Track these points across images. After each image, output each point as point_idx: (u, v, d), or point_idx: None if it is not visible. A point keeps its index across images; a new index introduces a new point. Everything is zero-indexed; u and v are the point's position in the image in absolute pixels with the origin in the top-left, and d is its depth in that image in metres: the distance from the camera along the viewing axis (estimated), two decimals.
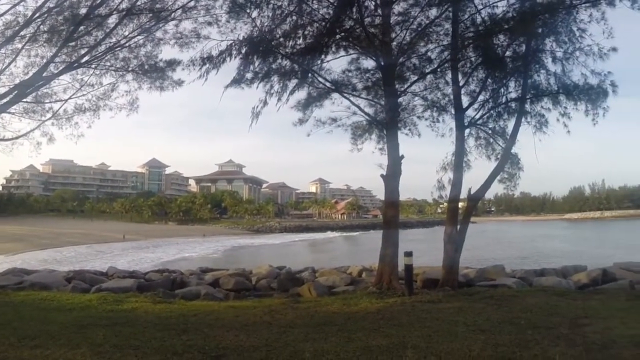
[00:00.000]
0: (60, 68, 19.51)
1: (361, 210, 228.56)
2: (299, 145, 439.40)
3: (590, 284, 19.13)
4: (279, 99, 17.94)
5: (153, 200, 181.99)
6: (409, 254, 15.75)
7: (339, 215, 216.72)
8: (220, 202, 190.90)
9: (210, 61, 17.05)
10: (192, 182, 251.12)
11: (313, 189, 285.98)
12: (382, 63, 18.49)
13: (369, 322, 10.61)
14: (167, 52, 21.00)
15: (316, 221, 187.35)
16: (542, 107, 19.43)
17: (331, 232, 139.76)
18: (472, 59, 19.72)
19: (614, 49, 17.61)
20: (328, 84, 19.47)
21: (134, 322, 10.90)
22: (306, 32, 17.29)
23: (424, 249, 42.81)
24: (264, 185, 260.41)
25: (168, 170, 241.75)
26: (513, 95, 19.63)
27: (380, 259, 17.76)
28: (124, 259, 53.38)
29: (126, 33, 19.65)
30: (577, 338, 8.41)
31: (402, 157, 18.29)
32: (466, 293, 15.41)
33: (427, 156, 25.02)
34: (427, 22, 18.67)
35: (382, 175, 18.33)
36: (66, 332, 9.66)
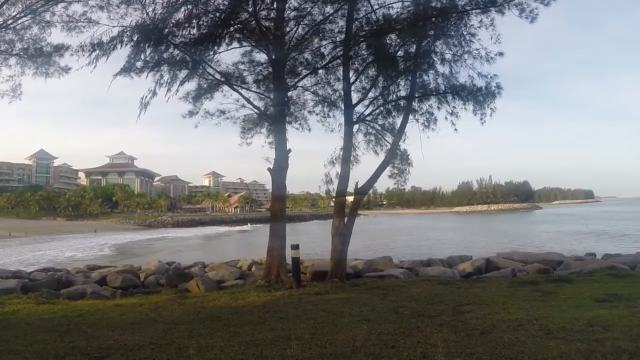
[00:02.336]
0: None
1: (254, 204, 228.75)
2: (192, 137, 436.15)
3: (475, 273, 19.94)
4: (169, 90, 17.44)
5: (41, 194, 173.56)
6: (295, 247, 15.90)
7: (232, 209, 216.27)
8: (111, 196, 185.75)
9: (101, 47, 16.27)
10: (81, 174, 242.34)
11: (206, 183, 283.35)
12: (274, 57, 18.44)
13: (255, 315, 10.54)
14: (55, 36, 19.68)
15: (209, 215, 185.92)
16: (430, 105, 20.08)
17: (224, 226, 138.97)
18: (364, 56, 20.04)
19: (501, 54, 18.57)
20: (218, 76, 19.20)
21: (15, 325, 10.32)
22: (200, 22, 16.84)
23: (315, 242, 43.36)
24: (156, 179, 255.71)
25: (56, 162, 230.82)
26: (403, 93, 20.12)
27: (268, 252, 17.79)
28: (8, 258, 50.87)
29: (13, 13, 18.38)
30: (459, 324, 8.62)
31: (290, 150, 18.43)
32: (354, 284, 15.69)
33: (321, 150, 25.18)
34: (322, 18, 18.78)
35: (269, 169, 18.34)
36: None
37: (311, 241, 47.92)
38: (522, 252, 26.42)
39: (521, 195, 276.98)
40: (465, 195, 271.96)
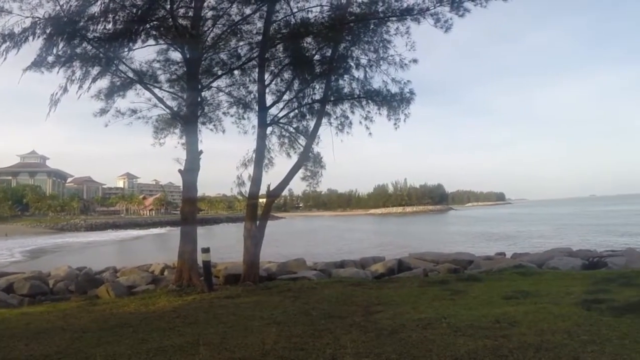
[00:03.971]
0: None
1: (170, 206, 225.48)
2: (107, 136, 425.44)
3: (387, 273, 20.33)
4: (80, 87, 16.86)
5: None
6: (206, 250, 15.74)
7: (147, 212, 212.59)
8: (21, 197, 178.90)
9: (12, 39, 15.47)
10: None
11: (121, 184, 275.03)
12: (189, 56, 18.18)
13: (165, 321, 10.35)
14: None
15: (123, 218, 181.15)
16: (344, 109, 20.38)
17: (139, 229, 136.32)
18: (281, 59, 20.08)
19: (415, 61, 19.16)
20: (131, 74, 18.78)
21: None
22: (116, 17, 16.34)
23: (230, 244, 42.94)
24: (69, 180, 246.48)
25: None
26: (317, 96, 20.27)
27: (179, 255, 17.57)
28: None
29: None
30: (369, 325, 8.70)
31: (201, 152, 18.24)
32: (266, 287, 15.66)
33: (238, 152, 25.12)
34: (240, 18, 18.73)
35: (179, 171, 18.09)
36: None
37: (226, 244, 47.55)
38: (434, 253, 27.04)
39: (435, 198, 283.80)
40: (381, 198, 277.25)
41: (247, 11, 18.73)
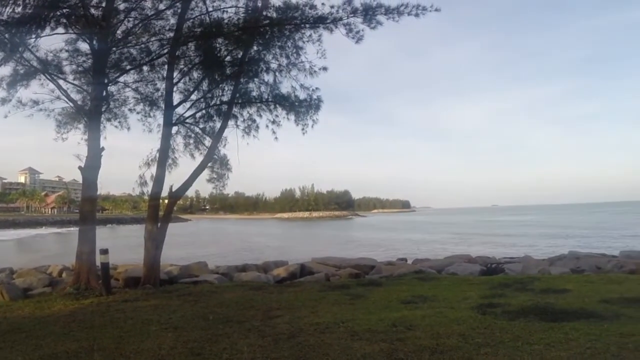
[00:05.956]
0: None
1: (73, 205, 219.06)
2: (8, 127, 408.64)
3: (289, 278, 20.38)
4: None
5: None
6: (104, 252, 15.21)
7: (50, 210, 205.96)
8: None
9: None
10: None
11: (22, 179, 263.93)
12: (97, 48, 17.65)
13: (60, 326, 10.02)
14: None
15: (24, 215, 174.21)
16: (251, 113, 20.31)
17: (40, 227, 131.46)
18: (191, 57, 19.83)
19: (324, 69, 19.29)
20: (36, 63, 17.93)
21: None
22: (27, 1, 15.37)
23: (133, 246, 42.07)
24: None
25: None
26: (225, 98, 20.11)
27: (77, 257, 16.98)
28: None
29: None
30: (267, 329, 8.76)
31: (103, 149, 17.69)
32: (166, 290, 15.46)
33: (145, 150, 24.65)
34: (153, 13, 18.37)
35: (80, 168, 17.46)
36: None
37: (129, 245, 46.59)
38: (337, 257, 27.38)
39: (342, 204, 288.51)
40: (288, 202, 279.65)
41: (161, 6, 18.36)
